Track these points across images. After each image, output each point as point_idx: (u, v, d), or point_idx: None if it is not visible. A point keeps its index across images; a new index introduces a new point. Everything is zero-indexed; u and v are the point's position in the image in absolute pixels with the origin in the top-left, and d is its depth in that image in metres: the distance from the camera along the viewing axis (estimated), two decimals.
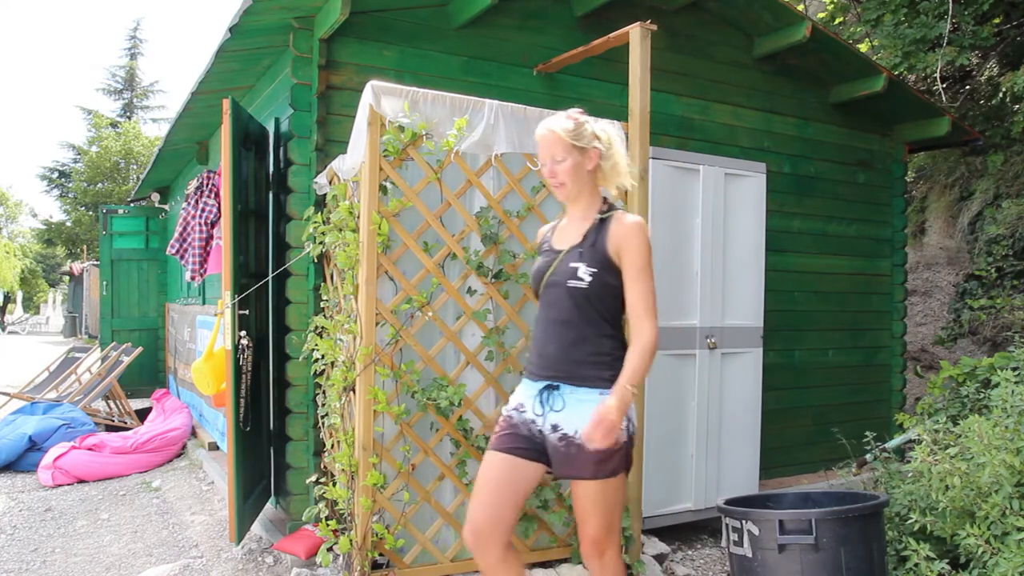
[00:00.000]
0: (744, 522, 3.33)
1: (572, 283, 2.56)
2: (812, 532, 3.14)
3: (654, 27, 4.12)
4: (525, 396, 2.69)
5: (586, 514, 2.63)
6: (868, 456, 4.60)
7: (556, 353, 2.61)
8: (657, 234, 4.39)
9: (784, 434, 5.88)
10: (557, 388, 2.59)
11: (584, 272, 2.55)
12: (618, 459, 2.56)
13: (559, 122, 2.64)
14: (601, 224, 2.62)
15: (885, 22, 8.00)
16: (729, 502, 3.56)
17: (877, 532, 3.29)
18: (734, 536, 3.40)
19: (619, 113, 4.29)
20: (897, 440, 4.99)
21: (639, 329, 2.54)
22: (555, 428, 2.58)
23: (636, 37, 4.11)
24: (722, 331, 4.83)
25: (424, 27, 4.70)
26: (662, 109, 5.26)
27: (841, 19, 10.01)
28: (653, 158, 4.34)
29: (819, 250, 6.22)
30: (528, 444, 2.64)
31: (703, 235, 4.75)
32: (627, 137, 4.11)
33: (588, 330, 2.58)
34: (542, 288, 2.67)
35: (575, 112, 2.71)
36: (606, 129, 2.73)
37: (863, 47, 9.10)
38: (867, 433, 4.48)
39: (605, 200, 2.71)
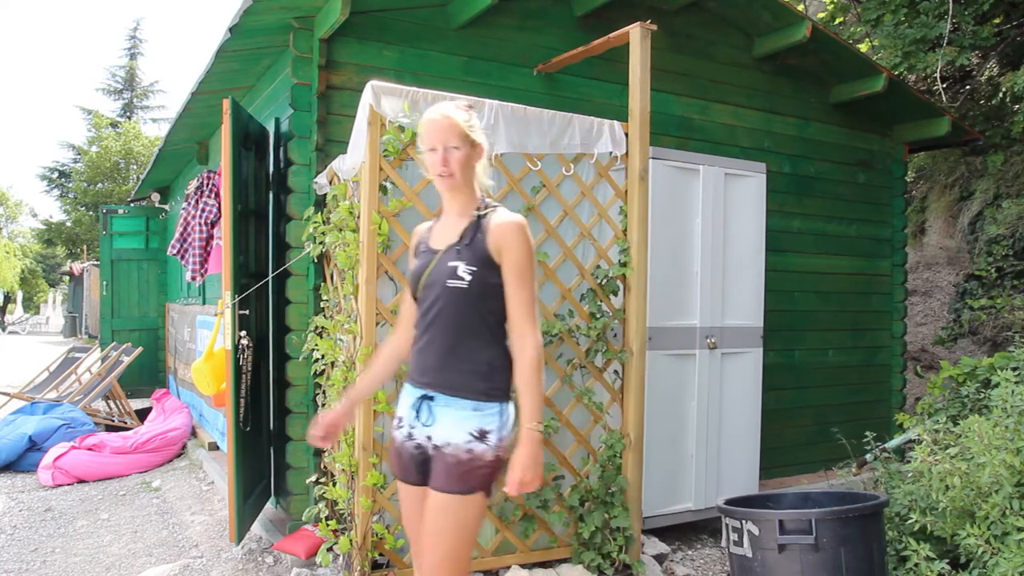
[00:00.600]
0: (744, 522, 3.33)
1: (451, 283, 2.36)
2: (812, 532, 3.14)
3: (654, 27, 4.12)
4: (404, 406, 2.50)
5: (429, 536, 2.37)
6: (868, 456, 4.60)
7: (433, 360, 2.40)
8: (657, 234, 4.39)
9: (784, 434, 5.88)
10: (432, 399, 2.40)
11: (464, 271, 2.35)
12: (480, 476, 2.33)
13: (456, 110, 2.45)
14: (480, 221, 2.42)
15: (885, 22, 8.00)
16: (729, 502, 3.56)
17: (877, 532, 3.29)
18: (734, 536, 3.40)
19: (619, 113, 4.30)
20: (897, 440, 4.99)
21: (521, 345, 2.35)
22: (430, 439, 2.40)
23: (636, 37, 4.11)
24: (722, 331, 4.83)
25: (424, 27, 4.70)
26: (662, 109, 5.26)
27: (841, 19, 10.01)
28: (653, 158, 4.34)
29: (819, 250, 6.22)
30: (415, 468, 2.44)
31: (703, 235, 4.75)
32: (627, 137, 4.12)
33: (466, 335, 2.38)
34: (420, 290, 2.47)
35: (465, 103, 2.56)
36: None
37: (863, 47, 9.10)
38: (867, 433, 4.48)
39: (483, 198, 2.51)
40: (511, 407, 2.41)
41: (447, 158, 2.40)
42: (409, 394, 2.48)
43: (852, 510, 3.20)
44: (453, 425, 2.35)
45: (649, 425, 4.26)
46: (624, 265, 4.09)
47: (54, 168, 32.59)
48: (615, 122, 4.13)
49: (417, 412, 2.43)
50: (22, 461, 6.71)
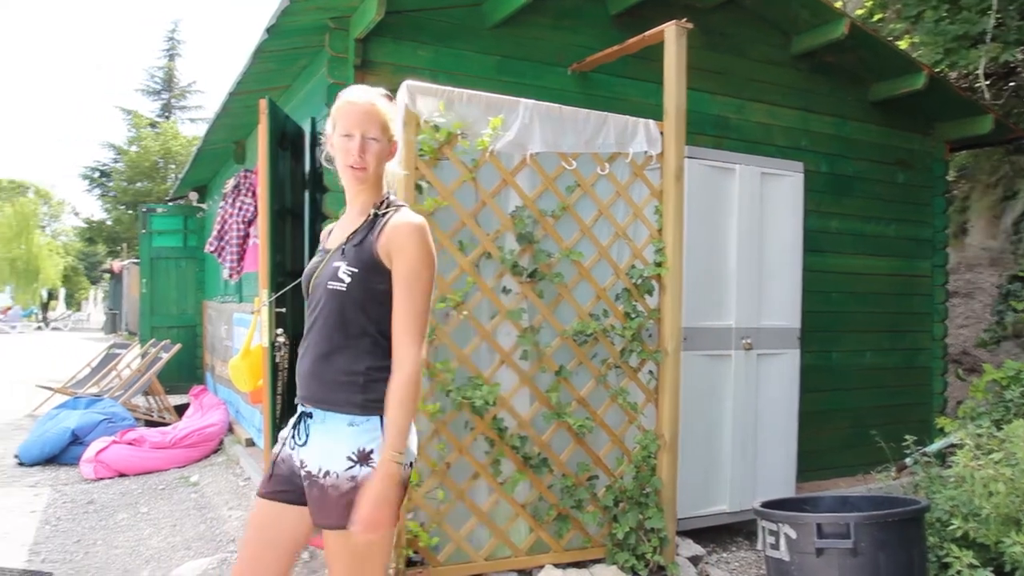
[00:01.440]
0: (781, 525, 3.30)
1: (332, 285, 2.12)
2: (850, 536, 3.10)
3: (690, 25, 4.10)
4: (291, 424, 2.26)
5: (334, 573, 2.14)
6: (908, 460, 4.54)
7: (308, 369, 2.16)
8: (692, 233, 4.36)
9: (821, 437, 5.80)
10: (310, 416, 2.15)
11: (344, 272, 2.11)
12: None
13: (380, 98, 2.22)
14: (375, 221, 2.18)
15: (926, 18, 7.86)
16: (765, 504, 3.53)
17: (917, 538, 3.24)
18: (770, 539, 3.37)
19: (654, 112, 4.27)
20: (938, 444, 4.91)
21: (398, 359, 2.07)
22: (302, 464, 2.14)
23: (672, 35, 4.08)
24: (758, 332, 4.78)
25: (459, 26, 4.71)
26: (698, 108, 5.22)
27: (880, 16, 9.86)
28: (688, 157, 4.31)
29: (857, 250, 6.14)
30: (290, 485, 2.18)
31: (739, 235, 4.71)
32: (662, 136, 4.09)
33: (343, 342, 2.12)
34: (309, 292, 2.25)
35: (384, 92, 2.28)
36: None
37: (903, 44, 8.95)
38: (906, 437, 4.42)
39: (387, 196, 2.27)
40: None
41: (365, 148, 2.16)
42: (296, 412, 2.24)
43: (892, 515, 3.16)
44: (328, 449, 2.09)
45: (684, 426, 4.23)
46: (659, 265, 4.07)
47: (95, 168, 33.22)
48: (650, 121, 4.11)
49: (296, 431, 2.19)
50: (65, 454, 6.85)
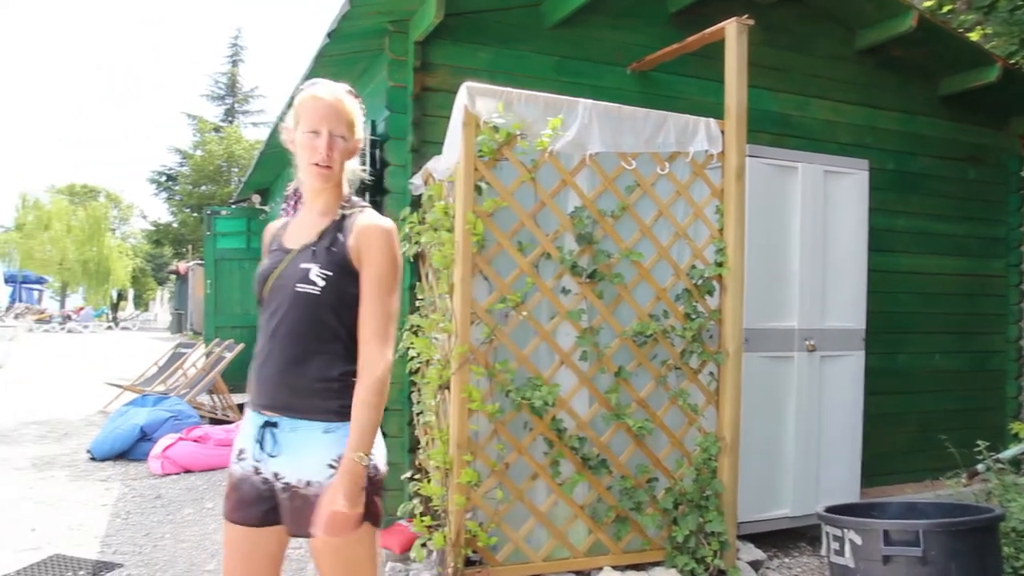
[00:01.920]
0: (846, 531, 3.22)
1: (302, 287, 2.04)
2: (920, 544, 3.01)
3: (751, 22, 4.04)
4: (246, 436, 2.14)
5: None
6: (980, 467, 4.39)
7: (274, 375, 2.07)
8: (754, 233, 4.29)
9: (887, 441, 5.65)
10: (275, 426, 2.07)
11: (316, 275, 2.04)
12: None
13: (347, 95, 2.17)
14: (343, 222, 2.12)
15: (999, 8, 7.62)
16: (830, 509, 3.44)
17: (991, 547, 3.14)
18: (835, 545, 3.30)
19: (715, 110, 4.22)
20: (1013, 450, 4.75)
21: (368, 361, 2.03)
22: (277, 477, 2.07)
23: (732, 33, 4.03)
24: (821, 333, 4.69)
25: (517, 27, 4.72)
26: (759, 106, 5.13)
27: (950, 7, 9.58)
28: (750, 156, 4.24)
29: (925, 250, 5.97)
30: (257, 506, 2.10)
31: (802, 234, 4.62)
32: (723, 135, 4.04)
33: (316, 347, 2.06)
34: (265, 293, 2.14)
35: (348, 88, 2.22)
36: None
37: (974, 36, 8.68)
38: (978, 442, 4.28)
39: (350, 196, 2.21)
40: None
41: (332, 145, 2.09)
42: (251, 422, 2.13)
43: (964, 523, 3.06)
44: (306, 457, 2.03)
45: (745, 428, 4.16)
46: (720, 265, 4.02)
47: (162, 172, 34.18)
48: (711, 120, 4.06)
49: (260, 443, 2.08)
50: (134, 450, 7.05)
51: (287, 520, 2.08)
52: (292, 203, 7.06)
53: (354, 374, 2.05)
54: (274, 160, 8.96)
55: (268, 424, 2.07)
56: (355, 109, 2.17)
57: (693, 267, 4.04)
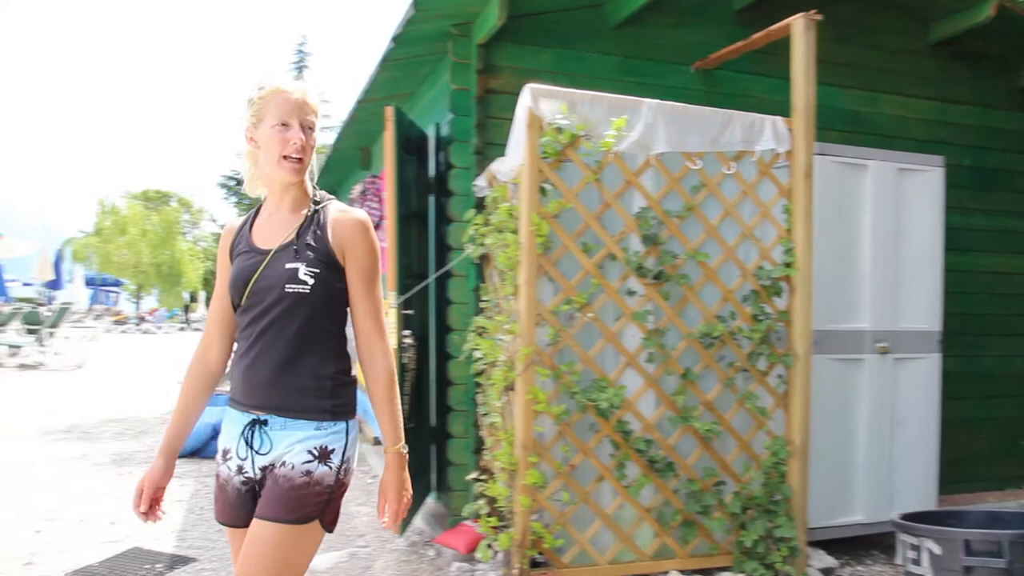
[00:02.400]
0: (924, 540, 3.13)
1: (291, 287, 1.99)
2: (1004, 555, 2.91)
3: (819, 17, 3.96)
4: (230, 437, 2.08)
5: (245, 569, 1.96)
6: None
7: (266, 377, 2.01)
8: (823, 233, 4.20)
9: (966, 447, 5.46)
10: (265, 423, 2.02)
11: (305, 273, 1.99)
12: (315, 503, 1.97)
13: (312, 88, 2.08)
14: (316, 216, 2.07)
15: None
16: (906, 517, 3.36)
17: None
18: (911, 554, 3.21)
19: (781, 108, 4.15)
20: None
21: (373, 355, 2.05)
22: (264, 470, 2.02)
23: (799, 28, 3.96)
24: (894, 335, 4.56)
25: (580, 28, 4.71)
26: (827, 102, 5.02)
27: None
28: (818, 154, 4.16)
29: (1005, 249, 5.75)
30: (240, 507, 2.06)
31: (873, 233, 4.50)
32: (791, 133, 3.97)
33: (306, 348, 2.01)
34: (247, 296, 2.05)
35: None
36: None
37: None
38: None
39: (316, 191, 2.14)
40: (354, 424, 2.08)
41: (305, 137, 2.03)
42: (235, 421, 2.07)
43: None
44: (290, 444, 2.00)
45: (815, 432, 4.08)
46: (788, 265, 3.94)
47: (231, 176, 35.03)
48: (778, 118, 3.99)
49: (248, 441, 2.03)
50: (206, 448, 7.22)
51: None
52: (358, 204, 7.15)
53: (345, 372, 2.05)
54: (339, 163, 9.10)
55: (257, 422, 2.02)
56: (320, 104, 2.10)
57: (760, 268, 3.98)
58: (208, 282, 44.52)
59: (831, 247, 4.36)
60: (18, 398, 10.86)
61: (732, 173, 3.92)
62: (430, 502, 5.07)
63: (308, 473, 1.96)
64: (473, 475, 4.34)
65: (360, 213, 2.08)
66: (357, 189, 7.03)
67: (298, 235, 2.04)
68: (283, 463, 1.98)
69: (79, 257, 39.49)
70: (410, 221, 4.63)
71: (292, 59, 37.85)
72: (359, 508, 5.47)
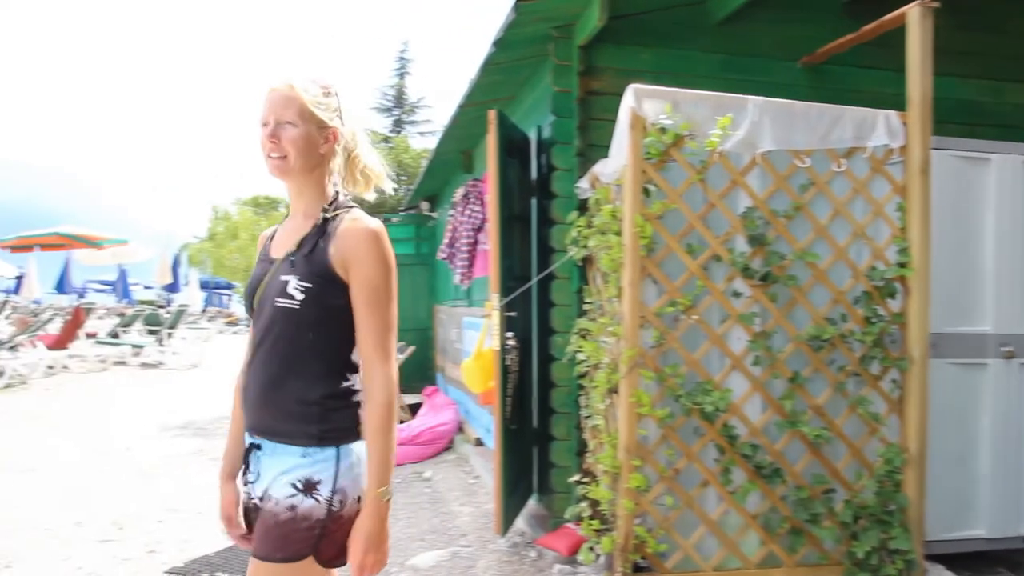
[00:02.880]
0: None
1: (281, 302, 1.86)
2: None
3: (935, 4, 3.79)
4: (243, 460, 2.03)
5: None
6: None
7: (256, 396, 1.91)
8: (940, 231, 4.01)
9: None
10: (260, 448, 1.93)
11: (295, 287, 1.85)
12: (305, 539, 1.84)
13: (304, 81, 1.94)
14: (325, 226, 1.92)
15: None
16: None
17: None
18: None
19: (893, 102, 4.00)
20: None
21: (371, 380, 1.86)
22: (260, 499, 1.93)
23: (915, 17, 3.80)
24: (1021, 339, 4.32)
25: (682, 26, 4.66)
26: (945, 94, 4.79)
27: None
28: (935, 148, 3.98)
29: None
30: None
31: (997, 231, 4.27)
32: (905, 128, 3.81)
33: (295, 367, 1.88)
34: (254, 308, 1.97)
35: (324, 79, 2.00)
36: (354, 112, 2.05)
37: None
38: None
39: (336, 196, 1.99)
40: (357, 449, 1.91)
41: (278, 135, 1.88)
42: (243, 444, 2.01)
43: None
44: (276, 474, 1.88)
45: (932, 440, 3.90)
46: (903, 266, 3.79)
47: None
48: (891, 112, 3.84)
49: (246, 467, 1.97)
50: None
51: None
52: (460, 207, 7.27)
53: (337, 396, 1.90)
54: (441, 167, 9.25)
55: (253, 446, 1.94)
56: (312, 93, 1.93)
57: (873, 268, 3.84)
58: None
59: (950, 246, 4.17)
60: (140, 395, 11.48)
61: (842, 171, 3.80)
62: (531, 504, 5.10)
63: (292, 508, 1.84)
64: (575, 477, 4.34)
65: (373, 223, 1.91)
66: (459, 192, 7.14)
67: (299, 246, 1.91)
68: (269, 496, 1.88)
69: (194, 261, 41.38)
70: (513, 224, 4.67)
71: (394, 65, 38.73)
72: (461, 508, 5.54)
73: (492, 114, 4.38)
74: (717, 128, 3.53)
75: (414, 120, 37.88)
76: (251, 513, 1.98)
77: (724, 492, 3.62)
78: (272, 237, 2.06)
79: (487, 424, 6.58)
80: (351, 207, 1.97)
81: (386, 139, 34.31)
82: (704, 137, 3.56)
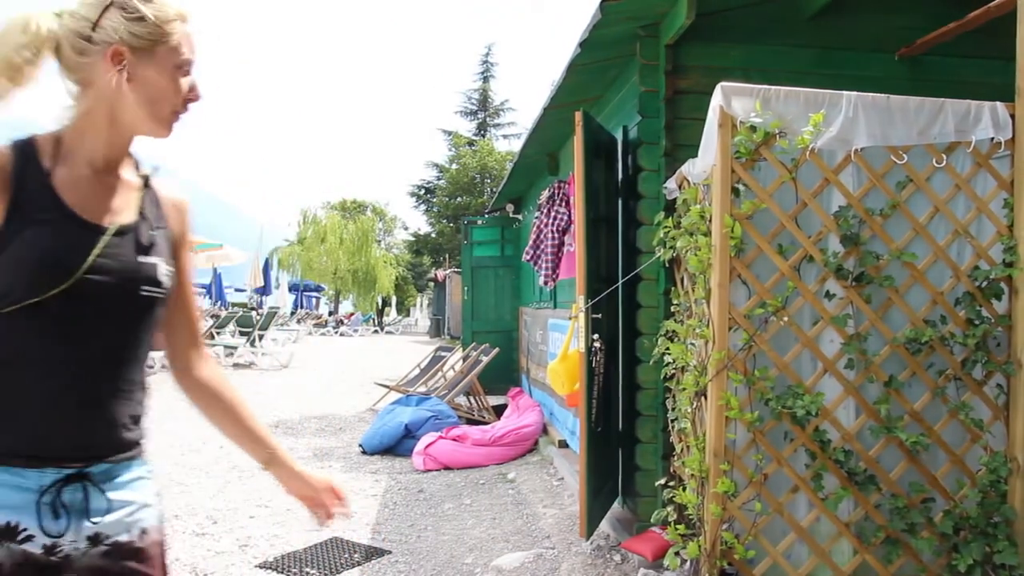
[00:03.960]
0: None
1: (149, 290, 1.47)
2: None
3: None
4: (13, 508, 1.37)
5: None
6: None
7: (89, 413, 1.44)
8: None
9: None
10: (87, 477, 1.44)
11: (165, 273, 1.50)
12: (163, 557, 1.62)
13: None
14: (150, 191, 1.55)
15: None
16: None
17: None
18: None
19: (999, 93, 3.80)
20: None
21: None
22: (96, 540, 1.45)
23: None
24: None
25: (772, 22, 4.56)
26: None
27: None
28: None
29: None
30: None
31: None
32: (1013, 120, 3.63)
33: (139, 368, 1.52)
34: (58, 286, 1.36)
35: None
36: None
37: None
38: None
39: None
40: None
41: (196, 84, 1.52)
42: (17, 488, 1.38)
43: None
44: (138, 503, 1.54)
45: None
46: (1009, 265, 3.61)
47: (421, 185, 36.61)
48: (997, 103, 3.66)
49: (58, 508, 1.40)
50: (399, 446, 7.59)
51: None
52: (546, 209, 7.25)
53: (146, 394, 1.56)
54: (526, 170, 9.30)
55: (70, 480, 1.41)
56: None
57: (976, 268, 3.67)
58: (398, 287, 46.70)
59: None
60: None
61: (943, 166, 3.64)
62: (615, 507, 5.06)
63: (161, 521, 1.65)
64: (662, 481, 4.29)
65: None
66: (544, 194, 7.15)
67: (142, 214, 1.51)
68: (144, 532, 1.57)
69: (284, 264, 42.62)
70: (599, 225, 4.65)
71: (477, 70, 39.09)
72: (545, 510, 5.55)
73: (579, 115, 4.38)
74: (809, 125, 3.43)
75: (498, 123, 38.14)
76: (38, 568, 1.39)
77: (815, 498, 3.51)
78: (31, 175, 1.39)
79: (571, 426, 6.56)
80: (154, 166, 1.59)
81: (470, 143, 34.66)
82: (795, 135, 3.47)
